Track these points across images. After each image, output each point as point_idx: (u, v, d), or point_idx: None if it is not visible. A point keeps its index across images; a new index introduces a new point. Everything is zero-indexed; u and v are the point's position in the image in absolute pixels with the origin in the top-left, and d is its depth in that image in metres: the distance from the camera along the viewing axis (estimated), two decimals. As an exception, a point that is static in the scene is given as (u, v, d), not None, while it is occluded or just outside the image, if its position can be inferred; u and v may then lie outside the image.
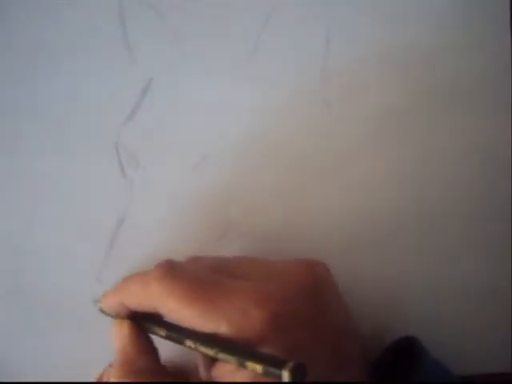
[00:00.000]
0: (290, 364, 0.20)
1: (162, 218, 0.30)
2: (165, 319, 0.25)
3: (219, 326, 0.22)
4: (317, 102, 0.30)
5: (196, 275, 0.24)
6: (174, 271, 0.24)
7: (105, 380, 0.29)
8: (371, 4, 0.30)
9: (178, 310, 0.23)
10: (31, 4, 0.30)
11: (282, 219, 0.30)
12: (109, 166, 0.30)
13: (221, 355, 0.22)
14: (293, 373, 0.20)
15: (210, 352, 0.23)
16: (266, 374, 0.21)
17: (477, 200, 0.31)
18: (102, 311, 0.27)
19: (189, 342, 0.23)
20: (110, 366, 0.30)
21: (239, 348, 0.22)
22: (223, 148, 0.30)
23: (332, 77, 0.30)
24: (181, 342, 0.24)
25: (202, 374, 0.26)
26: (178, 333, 0.24)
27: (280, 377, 0.20)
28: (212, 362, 0.24)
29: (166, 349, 0.30)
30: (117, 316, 0.27)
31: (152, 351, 0.26)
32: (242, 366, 0.22)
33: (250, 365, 0.21)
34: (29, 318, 0.30)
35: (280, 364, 0.21)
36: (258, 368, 0.21)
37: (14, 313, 0.30)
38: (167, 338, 0.25)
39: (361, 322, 0.28)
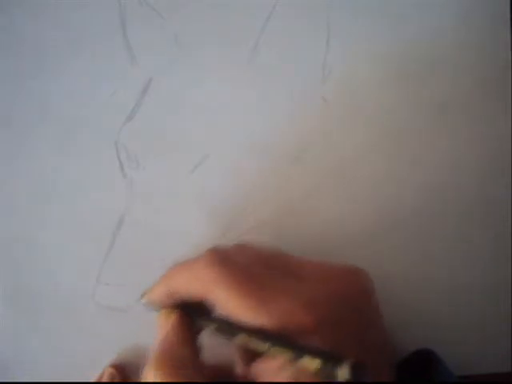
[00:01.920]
0: (349, 361, 0.19)
1: (161, 218, 0.30)
2: (214, 314, 0.25)
3: (267, 320, 0.22)
4: (317, 101, 0.30)
5: (247, 266, 0.24)
6: (224, 259, 0.24)
7: (105, 380, 0.29)
8: (371, 4, 0.30)
9: (227, 299, 0.23)
10: (32, 5, 0.30)
11: (282, 218, 0.30)
12: (109, 166, 0.30)
13: (274, 350, 0.22)
14: (352, 370, 0.19)
15: (263, 346, 0.22)
16: (322, 369, 0.20)
17: (477, 199, 0.31)
18: (148, 304, 0.27)
19: (241, 336, 0.23)
20: (110, 365, 0.30)
21: (294, 342, 0.22)
22: (223, 148, 0.30)
23: (332, 76, 0.30)
24: (232, 336, 0.23)
25: (240, 371, 0.25)
26: (229, 326, 0.24)
27: (336, 374, 0.20)
28: (252, 358, 0.24)
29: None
30: (163, 307, 0.26)
31: (195, 344, 0.25)
32: (296, 361, 0.21)
33: (307, 360, 0.21)
34: (29, 318, 0.30)
35: (338, 361, 0.20)
36: (316, 363, 0.20)
37: (13, 313, 0.30)
38: (217, 331, 0.24)
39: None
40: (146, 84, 0.30)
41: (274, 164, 0.30)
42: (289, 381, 0.22)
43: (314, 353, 0.21)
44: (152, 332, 0.30)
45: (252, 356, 0.24)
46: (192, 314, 0.26)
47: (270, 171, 0.30)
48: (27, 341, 0.30)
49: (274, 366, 0.22)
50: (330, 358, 0.20)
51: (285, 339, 0.22)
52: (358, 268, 0.25)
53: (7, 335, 0.30)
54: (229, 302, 0.23)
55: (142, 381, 0.24)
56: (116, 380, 0.29)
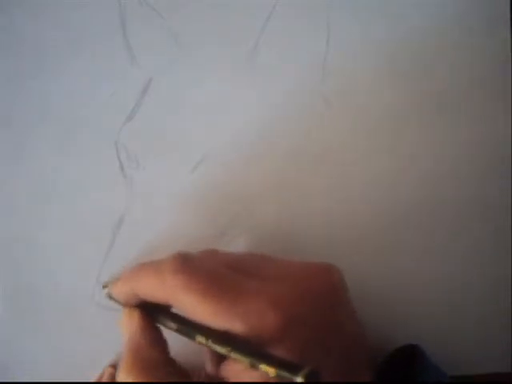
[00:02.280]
0: (305, 370, 0.20)
1: (161, 218, 0.30)
2: (176, 312, 0.25)
3: (233, 324, 0.22)
4: (317, 101, 0.30)
5: (212, 271, 0.24)
6: (190, 265, 0.24)
7: (105, 380, 0.29)
8: (371, 4, 0.30)
9: (192, 305, 0.23)
10: (32, 5, 0.30)
11: (282, 218, 0.30)
12: (109, 166, 0.30)
13: (233, 354, 0.22)
14: (307, 379, 0.20)
15: (223, 350, 0.22)
16: (278, 377, 0.21)
17: (476, 195, 0.31)
18: (110, 297, 0.27)
19: (200, 338, 0.23)
20: (110, 365, 0.30)
21: (253, 349, 0.22)
22: (223, 148, 0.30)
23: (332, 76, 0.30)
24: (191, 337, 0.24)
25: (209, 370, 0.26)
26: (189, 327, 0.24)
27: (293, 380, 0.20)
28: (221, 358, 0.24)
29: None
30: (125, 304, 0.26)
31: (162, 342, 0.25)
32: (254, 367, 0.22)
33: (263, 367, 0.21)
34: (29, 318, 0.30)
35: (294, 369, 0.20)
36: (271, 371, 0.21)
37: (13, 313, 0.30)
38: (177, 331, 0.25)
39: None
40: (146, 84, 0.30)
41: (273, 164, 0.30)
42: (258, 381, 0.22)
43: (271, 361, 0.21)
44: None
45: (221, 357, 0.24)
46: (154, 313, 0.26)
47: (269, 171, 0.30)
48: (27, 341, 0.30)
49: (241, 366, 0.23)
50: (286, 367, 0.21)
51: (245, 344, 0.22)
52: (329, 264, 0.25)
53: (7, 335, 0.30)
54: (194, 308, 0.23)
55: None
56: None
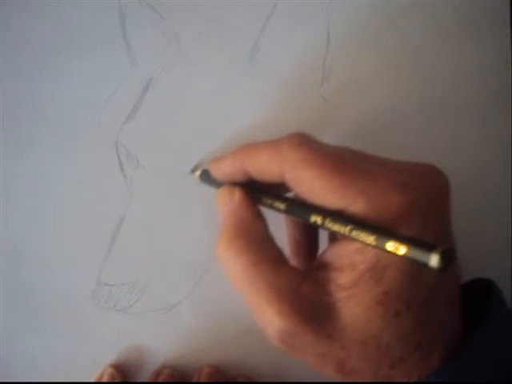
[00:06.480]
0: (441, 248, 0.18)
1: (161, 218, 0.30)
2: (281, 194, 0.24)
3: (355, 201, 0.21)
4: (317, 101, 0.30)
5: (335, 150, 0.23)
6: (311, 141, 0.23)
7: (105, 380, 0.29)
8: (371, 4, 0.30)
9: (310, 179, 0.22)
10: (32, 5, 0.30)
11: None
12: (109, 165, 0.30)
13: (355, 233, 0.20)
14: (443, 257, 0.18)
15: (343, 229, 0.21)
16: (410, 255, 0.19)
17: (477, 197, 0.31)
18: (203, 178, 0.26)
19: (315, 218, 0.22)
20: (110, 365, 0.30)
21: (378, 227, 0.20)
22: (223, 148, 0.30)
23: (332, 76, 0.30)
24: (304, 217, 0.22)
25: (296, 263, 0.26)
26: (301, 207, 0.23)
27: (427, 260, 0.18)
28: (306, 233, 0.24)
29: (163, 352, 0.30)
30: (226, 183, 0.25)
31: (263, 218, 0.24)
32: (380, 246, 0.20)
33: (391, 245, 0.19)
34: (29, 318, 0.30)
35: (429, 247, 0.19)
36: (402, 249, 0.19)
37: (13, 313, 0.30)
38: (286, 211, 0.23)
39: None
40: (146, 84, 0.30)
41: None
42: (366, 265, 0.21)
43: (402, 238, 0.19)
44: (152, 332, 0.31)
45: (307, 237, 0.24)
46: (256, 194, 0.25)
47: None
48: (27, 341, 0.30)
49: (351, 248, 0.21)
50: (420, 244, 0.19)
51: (368, 223, 0.20)
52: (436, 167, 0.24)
53: (7, 335, 0.30)
54: (312, 183, 0.22)
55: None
56: (116, 380, 0.29)
